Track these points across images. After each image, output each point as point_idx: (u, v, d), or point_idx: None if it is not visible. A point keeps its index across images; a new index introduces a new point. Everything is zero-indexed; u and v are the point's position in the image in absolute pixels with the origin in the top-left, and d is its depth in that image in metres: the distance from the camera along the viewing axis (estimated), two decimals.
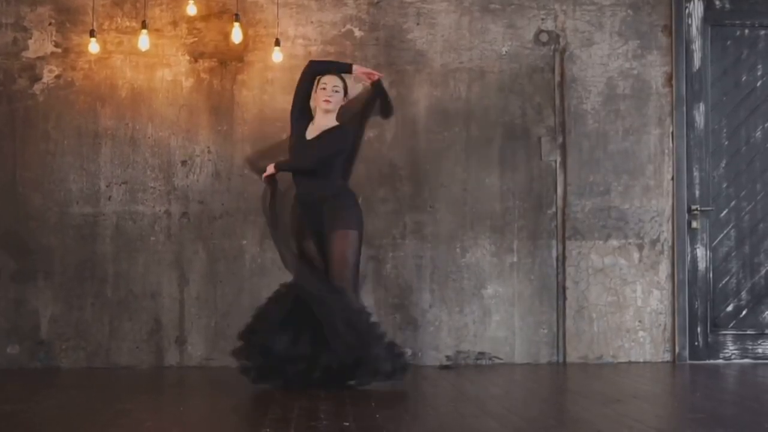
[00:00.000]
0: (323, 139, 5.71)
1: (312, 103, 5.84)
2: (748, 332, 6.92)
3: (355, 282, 5.74)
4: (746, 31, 6.99)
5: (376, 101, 5.88)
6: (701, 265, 6.87)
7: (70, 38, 6.64)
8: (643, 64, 6.89)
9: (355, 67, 5.89)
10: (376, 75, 5.87)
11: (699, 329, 6.85)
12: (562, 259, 6.80)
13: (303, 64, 6.60)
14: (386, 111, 5.92)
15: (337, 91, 5.74)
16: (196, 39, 6.71)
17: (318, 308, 5.53)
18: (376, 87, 5.86)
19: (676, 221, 6.84)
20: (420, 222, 6.76)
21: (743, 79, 6.97)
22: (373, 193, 6.67)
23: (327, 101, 5.72)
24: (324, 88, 5.75)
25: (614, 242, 6.83)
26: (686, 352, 6.80)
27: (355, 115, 5.89)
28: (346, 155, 5.79)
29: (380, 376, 5.56)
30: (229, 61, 6.71)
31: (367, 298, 6.58)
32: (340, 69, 5.88)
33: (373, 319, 5.76)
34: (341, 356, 5.50)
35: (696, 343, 6.85)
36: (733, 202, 6.93)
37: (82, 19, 6.63)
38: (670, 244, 6.85)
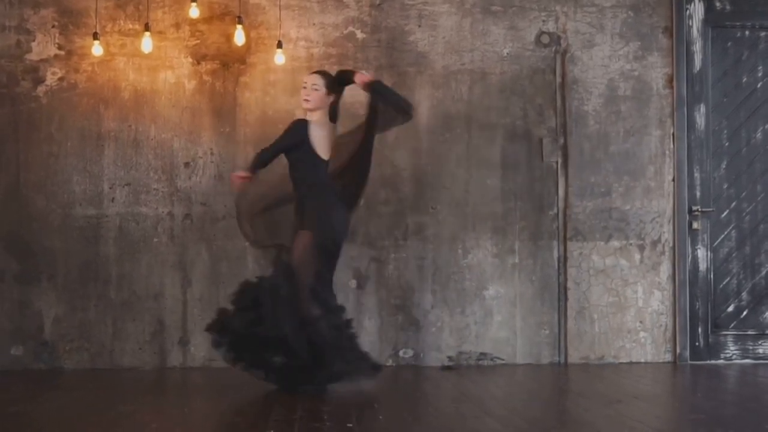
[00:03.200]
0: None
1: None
2: (749, 333, 6.94)
3: (311, 286, 5.61)
4: (747, 32, 7.01)
5: (377, 108, 5.66)
6: (702, 266, 6.90)
7: (73, 41, 6.67)
8: (643, 65, 6.91)
9: (356, 76, 5.79)
10: (365, 77, 5.76)
11: (700, 330, 6.88)
12: (563, 260, 6.83)
13: (305, 65, 6.68)
14: (400, 109, 5.75)
15: (316, 89, 5.74)
16: (198, 41, 6.73)
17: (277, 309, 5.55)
18: (372, 90, 5.69)
19: (677, 222, 6.86)
20: (422, 223, 6.78)
21: (744, 80, 6.99)
22: (375, 195, 6.69)
23: (306, 100, 5.75)
24: (304, 87, 5.79)
25: (615, 243, 6.86)
26: (687, 353, 6.82)
27: (360, 128, 5.78)
28: (303, 152, 5.66)
29: (337, 378, 5.59)
30: (232, 63, 6.73)
31: (369, 299, 6.62)
32: (342, 80, 5.87)
33: (337, 321, 5.70)
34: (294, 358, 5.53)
35: (697, 344, 6.87)
36: (733, 203, 6.95)
37: (85, 21, 6.65)
38: (671, 245, 6.87)
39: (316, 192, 5.69)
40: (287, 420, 4.71)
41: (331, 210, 5.68)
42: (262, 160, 5.71)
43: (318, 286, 5.62)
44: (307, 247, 5.61)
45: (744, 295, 6.94)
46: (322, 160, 5.69)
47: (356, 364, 5.65)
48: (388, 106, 5.71)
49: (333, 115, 5.86)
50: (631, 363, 6.79)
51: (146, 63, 6.69)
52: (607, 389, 5.68)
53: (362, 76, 5.77)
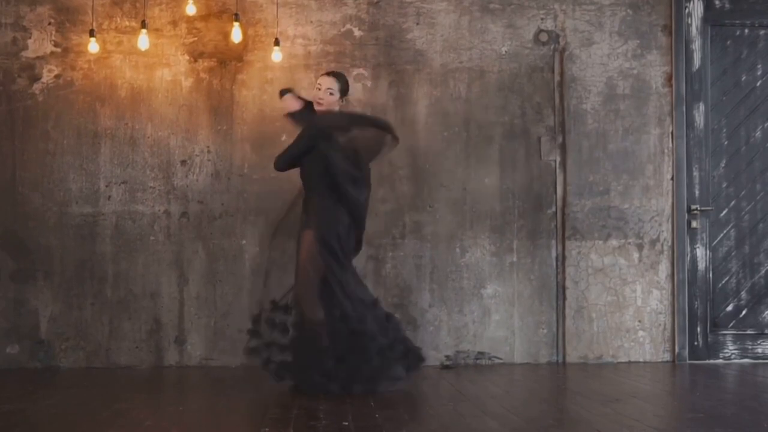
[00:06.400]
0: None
1: None
2: (748, 332, 6.92)
3: (309, 289, 5.63)
4: (746, 30, 6.99)
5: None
6: (701, 265, 6.87)
7: (69, 38, 6.64)
8: (642, 63, 6.89)
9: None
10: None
11: (699, 329, 6.85)
12: (561, 259, 6.80)
13: (303, 63, 6.68)
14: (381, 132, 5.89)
15: (331, 94, 5.79)
16: (195, 39, 6.71)
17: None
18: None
19: (676, 221, 6.84)
20: (419, 222, 6.76)
21: (743, 78, 6.97)
22: (372, 193, 6.63)
23: (319, 103, 5.80)
24: (319, 88, 5.79)
25: (614, 242, 6.83)
26: (686, 352, 6.80)
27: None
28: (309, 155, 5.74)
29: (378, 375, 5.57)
30: (229, 61, 6.71)
31: None
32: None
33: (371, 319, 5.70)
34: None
35: (696, 343, 6.85)
36: (732, 202, 6.93)
37: (81, 18, 6.63)
38: (669, 243, 6.85)
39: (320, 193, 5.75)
40: (283, 418, 4.69)
41: (333, 209, 5.72)
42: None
43: (329, 287, 5.61)
44: (309, 248, 5.61)
45: (743, 294, 6.92)
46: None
47: (396, 360, 5.65)
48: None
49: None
50: (629, 362, 6.77)
51: (143, 60, 6.67)
52: (605, 388, 5.66)
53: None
